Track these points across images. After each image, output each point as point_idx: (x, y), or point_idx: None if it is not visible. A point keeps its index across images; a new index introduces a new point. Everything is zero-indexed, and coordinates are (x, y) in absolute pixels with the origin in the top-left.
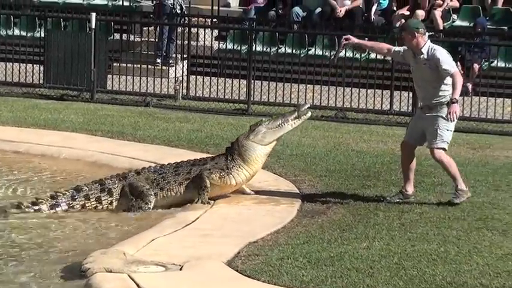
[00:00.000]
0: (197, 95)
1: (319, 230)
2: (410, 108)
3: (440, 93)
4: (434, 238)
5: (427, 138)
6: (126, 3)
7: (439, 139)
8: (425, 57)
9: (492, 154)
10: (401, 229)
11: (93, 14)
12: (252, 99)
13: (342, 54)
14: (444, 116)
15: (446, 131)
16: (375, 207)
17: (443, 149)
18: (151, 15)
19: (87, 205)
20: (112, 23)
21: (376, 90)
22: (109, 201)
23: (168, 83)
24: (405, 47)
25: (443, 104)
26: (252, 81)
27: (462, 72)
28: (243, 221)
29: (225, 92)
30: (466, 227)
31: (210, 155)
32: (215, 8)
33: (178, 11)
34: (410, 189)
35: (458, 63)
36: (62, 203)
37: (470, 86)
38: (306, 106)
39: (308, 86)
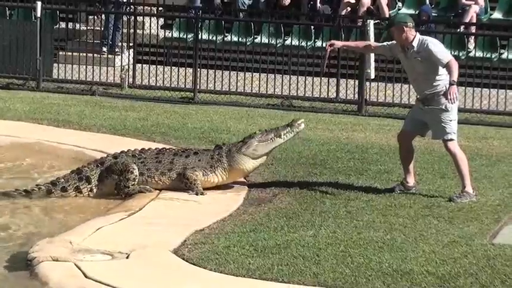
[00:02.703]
0: (143, 83)
1: (266, 218)
2: (356, 96)
3: (435, 84)
4: (381, 226)
5: (432, 132)
6: None
7: (445, 131)
8: (416, 50)
9: (438, 141)
10: (348, 217)
11: (39, 3)
12: (198, 87)
13: (288, 42)
14: (443, 107)
15: (449, 121)
16: (321, 195)
17: (453, 139)
18: (97, 4)
19: (65, 196)
20: (58, 12)
21: (322, 78)
22: (89, 189)
23: (114, 71)
24: (392, 42)
25: (440, 95)
26: (198, 69)
27: None
28: (189, 209)
29: (171, 80)
30: (412, 215)
31: (192, 147)
32: None
33: (124, 0)
34: (411, 180)
35: None
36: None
37: None
38: (300, 120)
39: (254, 74)
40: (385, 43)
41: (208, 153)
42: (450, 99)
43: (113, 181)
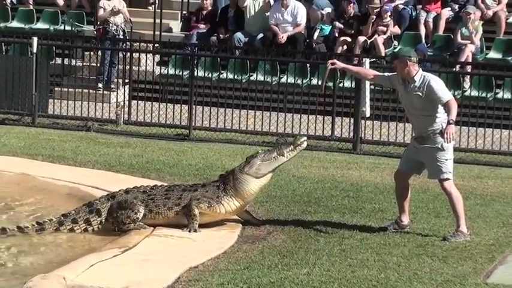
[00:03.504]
0: (138, 120)
1: (260, 255)
2: (351, 134)
3: (432, 122)
4: (375, 264)
5: (428, 171)
6: (68, 28)
7: (441, 171)
8: (417, 85)
9: (433, 180)
10: (342, 255)
11: (35, 38)
12: (193, 124)
13: (283, 79)
14: (439, 146)
15: (445, 161)
16: (315, 233)
17: (449, 178)
18: (93, 40)
19: (75, 228)
20: (54, 48)
21: (318, 116)
22: (98, 222)
23: (109, 107)
24: (393, 73)
25: (436, 133)
26: (194, 106)
27: None
28: (183, 246)
29: (166, 117)
30: (407, 253)
31: (201, 182)
32: (157, 33)
33: (121, 36)
34: (405, 219)
35: None
36: (48, 228)
37: None
38: (302, 138)
39: (250, 111)
40: (385, 74)
41: (215, 184)
42: (446, 138)
43: (118, 215)
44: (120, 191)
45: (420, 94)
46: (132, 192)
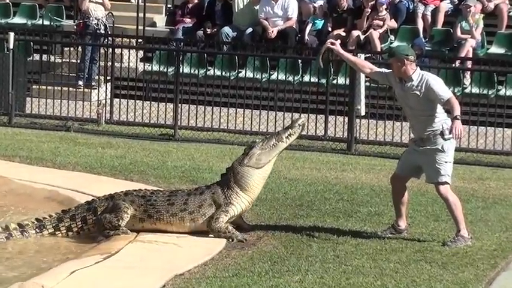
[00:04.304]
0: (121, 119)
1: (249, 262)
2: (345, 134)
3: (432, 123)
4: (371, 271)
5: (426, 174)
6: (46, 23)
7: (440, 173)
8: (415, 84)
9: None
10: (336, 261)
11: (11, 34)
12: (179, 124)
13: (274, 76)
14: (440, 147)
15: (445, 163)
16: (308, 239)
17: (447, 182)
18: (73, 35)
19: (72, 226)
20: (31, 43)
21: (310, 114)
22: (93, 221)
23: (90, 106)
24: (390, 70)
25: (437, 135)
26: (179, 105)
27: None
28: (169, 252)
29: (150, 116)
30: (404, 259)
31: (204, 185)
32: (140, 27)
33: (103, 31)
34: (402, 223)
35: None
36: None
37: None
38: (300, 120)
39: (238, 110)
40: (383, 69)
41: (219, 184)
42: (454, 134)
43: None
44: (119, 193)
45: (418, 93)
46: (130, 195)
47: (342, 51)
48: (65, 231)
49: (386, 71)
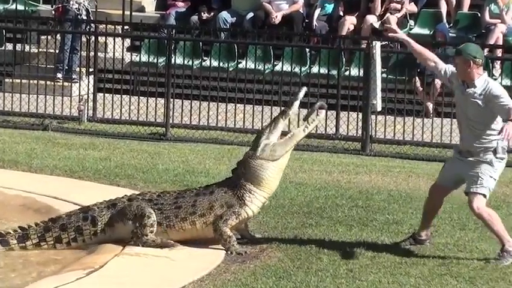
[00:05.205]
0: (105, 116)
1: (251, 277)
2: (359, 132)
3: (485, 137)
4: (389, 287)
5: (466, 182)
6: (20, 7)
7: (479, 183)
8: (478, 91)
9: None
10: (349, 276)
11: None
12: (171, 121)
13: (278, 67)
14: (488, 160)
15: (489, 177)
16: (317, 251)
17: (484, 195)
18: (51, 22)
19: (63, 237)
20: (4, 31)
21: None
22: (92, 232)
23: (70, 102)
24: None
25: (489, 150)
26: (171, 100)
27: (421, 89)
28: (160, 266)
29: (138, 113)
30: (427, 274)
31: (214, 183)
32: (127, 13)
33: (84, 17)
34: (424, 233)
35: (417, 78)
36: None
37: (431, 106)
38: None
39: (238, 105)
40: (447, 66)
41: (230, 182)
42: (505, 135)
43: (129, 229)
44: (121, 198)
45: (479, 102)
46: (136, 200)
47: (404, 36)
48: (52, 242)
49: (452, 69)
